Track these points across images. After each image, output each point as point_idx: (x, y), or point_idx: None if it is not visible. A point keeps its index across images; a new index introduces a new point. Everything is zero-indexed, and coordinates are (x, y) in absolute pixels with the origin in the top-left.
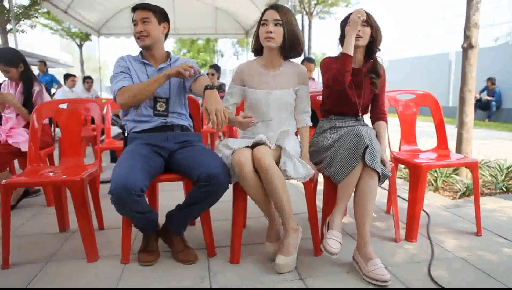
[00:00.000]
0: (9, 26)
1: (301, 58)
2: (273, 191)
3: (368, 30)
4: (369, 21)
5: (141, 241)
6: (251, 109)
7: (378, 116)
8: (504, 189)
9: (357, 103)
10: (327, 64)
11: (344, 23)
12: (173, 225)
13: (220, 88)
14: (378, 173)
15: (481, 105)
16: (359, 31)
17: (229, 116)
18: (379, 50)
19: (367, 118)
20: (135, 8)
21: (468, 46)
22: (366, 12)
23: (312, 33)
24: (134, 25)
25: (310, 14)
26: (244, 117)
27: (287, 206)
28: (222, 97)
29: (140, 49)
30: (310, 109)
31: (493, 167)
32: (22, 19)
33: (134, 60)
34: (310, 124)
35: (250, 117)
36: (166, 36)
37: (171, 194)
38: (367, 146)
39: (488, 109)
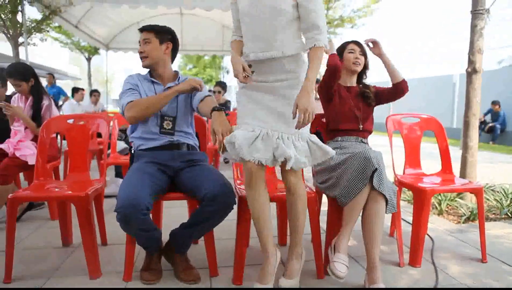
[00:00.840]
0: (21, 39)
1: None
2: (296, 213)
3: (363, 59)
4: (364, 51)
5: (144, 259)
6: (244, 36)
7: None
8: (509, 215)
9: (358, 117)
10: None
11: (343, 48)
12: (176, 244)
13: (225, 105)
14: (385, 197)
15: (485, 128)
16: (358, 59)
17: None
18: (366, 77)
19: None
20: (141, 30)
21: (472, 71)
22: (360, 43)
23: None
24: (139, 45)
25: None
26: (244, 69)
27: (302, 229)
28: (227, 115)
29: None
30: (321, 23)
31: (498, 192)
32: (34, 32)
33: (144, 79)
34: (322, 44)
35: (250, 67)
36: (173, 55)
37: (174, 212)
38: (375, 169)
39: (493, 132)
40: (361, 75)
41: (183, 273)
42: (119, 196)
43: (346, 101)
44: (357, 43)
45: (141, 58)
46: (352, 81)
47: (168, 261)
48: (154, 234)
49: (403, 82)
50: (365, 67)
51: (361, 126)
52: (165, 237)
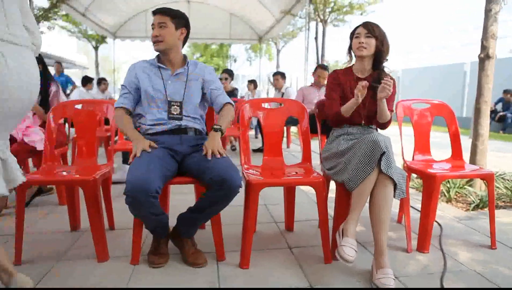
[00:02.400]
0: None
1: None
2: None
3: (372, 41)
4: (373, 33)
5: (151, 243)
6: None
7: None
8: None
9: (361, 114)
10: (329, 91)
11: (352, 35)
12: (183, 228)
13: (233, 92)
14: (393, 181)
15: (496, 117)
16: (363, 42)
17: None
18: (387, 60)
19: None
20: (154, 12)
21: (485, 57)
22: (370, 23)
23: (326, 40)
24: (152, 28)
25: (324, 22)
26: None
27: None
28: (235, 102)
29: (157, 53)
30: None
31: (508, 180)
32: (42, 21)
33: (150, 65)
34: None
35: None
36: (185, 41)
37: (182, 197)
38: (383, 153)
39: (504, 121)
40: (378, 60)
41: (190, 257)
42: (128, 179)
43: (351, 97)
44: (364, 24)
45: (155, 42)
46: (366, 70)
47: (175, 245)
48: (162, 218)
49: (388, 122)
50: (379, 50)
51: (363, 122)
52: (172, 222)
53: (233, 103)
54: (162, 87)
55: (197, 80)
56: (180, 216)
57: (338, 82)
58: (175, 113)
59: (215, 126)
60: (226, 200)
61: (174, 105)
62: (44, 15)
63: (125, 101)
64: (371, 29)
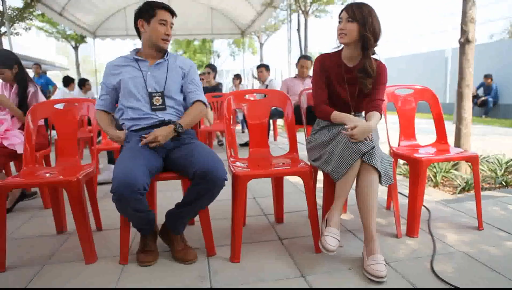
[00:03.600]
0: (3, 29)
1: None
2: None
3: (353, 26)
4: (354, 17)
5: (139, 242)
6: None
7: (372, 108)
8: (504, 184)
9: (350, 104)
10: (316, 78)
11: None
12: (172, 224)
13: (217, 88)
14: (377, 169)
15: (478, 101)
16: (342, 29)
17: None
18: (376, 45)
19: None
20: (167, 9)
21: (465, 41)
22: (354, 4)
23: (308, 32)
24: (163, 24)
25: (306, 13)
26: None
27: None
28: (219, 96)
29: (134, 48)
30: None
31: (492, 162)
32: (17, 21)
33: (126, 59)
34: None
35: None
36: None
37: (169, 195)
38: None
39: (485, 105)
40: (364, 47)
41: (180, 253)
42: (115, 177)
43: (339, 88)
44: (346, 8)
45: (166, 40)
46: (354, 57)
47: (165, 242)
48: (149, 215)
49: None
50: (364, 36)
51: (353, 113)
52: (161, 220)
53: (206, 102)
54: (141, 79)
55: (177, 71)
56: (168, 212)
57: (325, 68)
58: (157, 104)
59: (175, 123)
60: (211, 193)
61: (155, 96)
62: (18, 16)
63: (104, 103)
64: (351, 12)
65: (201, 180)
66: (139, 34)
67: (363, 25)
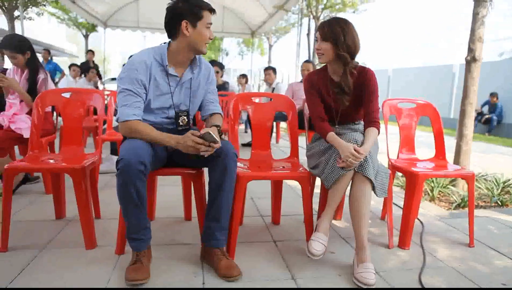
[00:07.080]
0: (16, 13)
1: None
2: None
3: (327, 45)
4: (325, 36)
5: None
6: None
7: (370, 123)
8: (499, 203)
9: (337, 117)
10: (308, 96)
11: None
12: (210, 235)
13: (224, 86)
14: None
15: (482, 119)
16: (318, 49)
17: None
18: (351, 63)
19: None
20: (212, 10)
21: (471, 59)
22: (325, 23)
23: None
24: (208, 28)
25: (317, 18)
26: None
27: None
28: (226, 95)
29: (162, 47)
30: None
31: (489, 181)
32: (30, 6)
33: (158, 64)
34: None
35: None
36: None
37: (168, 199)
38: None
39: (489, 123)
40: (343, 63)
41: (223, 270)
42: (123, 148)
43: (329, 100)
44: (319, 27)
45: (207, 44)
46: (338, 71)
47: (207, 263)
48: (146, 218)
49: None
50: (339, 55)
51: (337, 127)
52: (159, 219)
53: (222, 114)
54: (169, 97)
55: (202, 84)
56: (203, 228)
57: (315, 87)
58: (183, 124)
59: (215, 124)
60: (227, 172)
61: (182, 116)
62: (33, 1)
63: (138, 112)
64: (322, 32)
65: (214, 160)
66: (173, 34)
67: (335, 44)
